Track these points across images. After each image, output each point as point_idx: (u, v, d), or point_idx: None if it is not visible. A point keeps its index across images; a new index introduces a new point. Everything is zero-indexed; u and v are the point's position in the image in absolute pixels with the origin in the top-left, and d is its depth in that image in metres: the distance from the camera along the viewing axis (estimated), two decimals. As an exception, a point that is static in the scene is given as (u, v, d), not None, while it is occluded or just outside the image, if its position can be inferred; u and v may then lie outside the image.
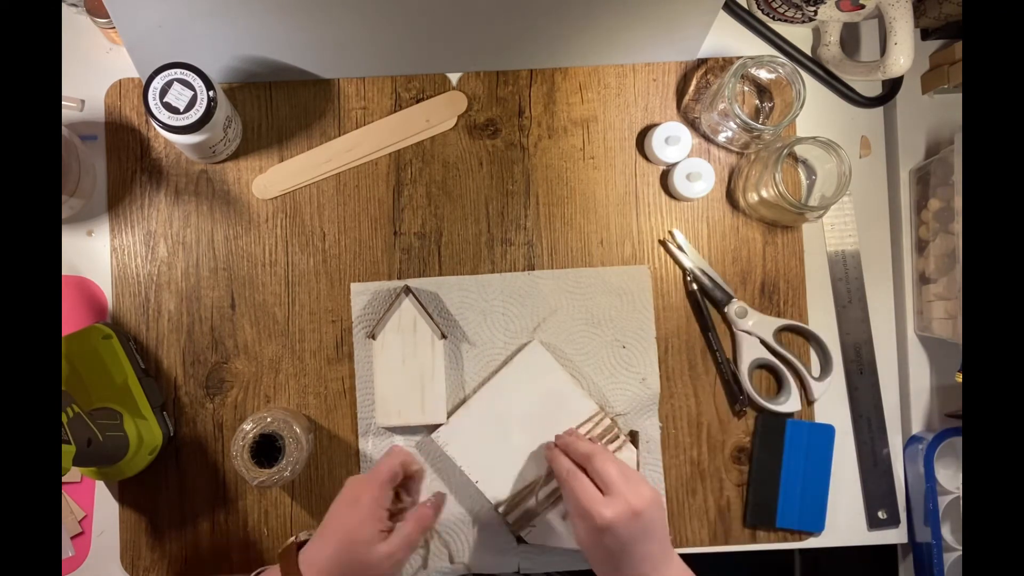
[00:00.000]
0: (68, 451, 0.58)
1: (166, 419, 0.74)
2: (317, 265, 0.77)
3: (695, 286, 0.77)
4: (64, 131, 0.70)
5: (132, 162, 0.77)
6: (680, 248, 0.78)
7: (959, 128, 0.77)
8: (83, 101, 0.77)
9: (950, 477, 0.77)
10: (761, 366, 0.78)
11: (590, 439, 0.68)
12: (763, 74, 0.77)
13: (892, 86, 0.79)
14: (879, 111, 0.81)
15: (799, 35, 0.81)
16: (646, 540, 0.61)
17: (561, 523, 0.71)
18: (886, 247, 0.80)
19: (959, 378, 0.72)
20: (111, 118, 0.77)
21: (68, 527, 0.74)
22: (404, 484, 0.67)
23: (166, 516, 0.75)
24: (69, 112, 0.77)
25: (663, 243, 0.78)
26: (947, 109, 0.80)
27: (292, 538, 0.63)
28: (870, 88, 0.80)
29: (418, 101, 0.78)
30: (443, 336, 0.73)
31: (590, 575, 0.76)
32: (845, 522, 0.78)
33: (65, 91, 0.76)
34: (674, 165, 0.77)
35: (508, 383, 0.74)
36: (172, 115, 0.67)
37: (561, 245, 0.78)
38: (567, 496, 0.65)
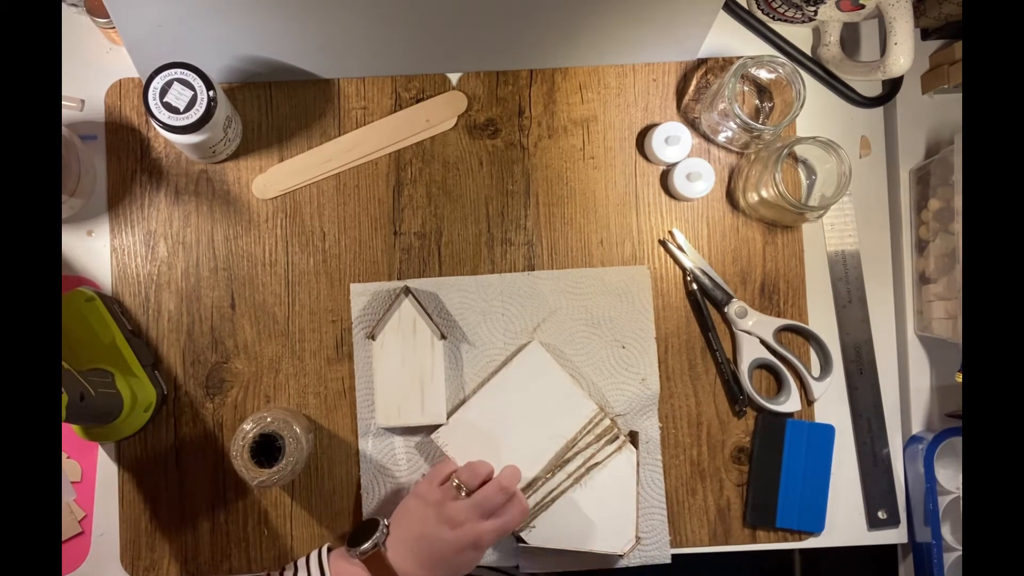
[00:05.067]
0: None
1: (158, 377, 0.74)
2: (317, 265, 0.77)
3: (695, 286, 0.77)
4: (64, 131, 0.70)
5: (132, 162, 0.77)
6: (680, 248, 0.78)
7: (959, 128, 0.77)
8: (83, 101, 0.77)
9: (950, 477, 0.77)
10: (761, 366, 0.78)
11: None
12: (763, 74, 0.77)
13: (892, 86, 0.79)
14: (879, 111, 0.81)
15: (799, 35, 0.81)
16: None
17: (561, 523, 0.71)
18: (886, 247, 0.80)
19: (959, 378, 0.72)
20: (111, 118, 0.77)
21: (68, 527, 0.74)
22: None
23: (166, 516, 0.75)
24: (69, 112, 0.77)
25: (663, 243, 0.78)
26: (947, 109, 0.80)
27: (373, 544, 0.65)
28: (870, 88, 0.80)
29: (418, 101, 0.78)
30: (443, 337, 0.73)
31: (590, 575, 0.76)
32: (845, 522, 0.78)
33: (65, 91, 0.76)
34: (674, 165, 0.77)
35: (508, 384, 0.74)
36: (172, 115, 0.67)
37: (561, 245, 0.78)
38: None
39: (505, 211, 0.78)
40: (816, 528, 0.77)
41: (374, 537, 0.65)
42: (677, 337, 0.77)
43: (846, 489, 0.78)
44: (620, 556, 0.73)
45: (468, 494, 0.67)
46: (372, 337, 0.73)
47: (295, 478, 0.73)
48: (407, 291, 0.73)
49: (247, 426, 0.67)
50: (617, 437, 0.73)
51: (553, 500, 0.72)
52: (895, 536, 0.78)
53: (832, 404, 0.78)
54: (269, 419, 0.68)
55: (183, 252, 0.76)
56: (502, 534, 0.67)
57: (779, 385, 0.78)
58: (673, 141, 0.76)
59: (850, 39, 0.81)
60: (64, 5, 0.75)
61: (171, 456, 0.75)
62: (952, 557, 0.75)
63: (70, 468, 0.74)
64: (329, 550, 0.67)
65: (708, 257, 0.78)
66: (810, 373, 0.77)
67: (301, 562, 0.66)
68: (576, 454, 0.72)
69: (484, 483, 0.68)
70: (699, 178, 0.76)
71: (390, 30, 0.72)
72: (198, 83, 0.67)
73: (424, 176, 0.78)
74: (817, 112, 0.80)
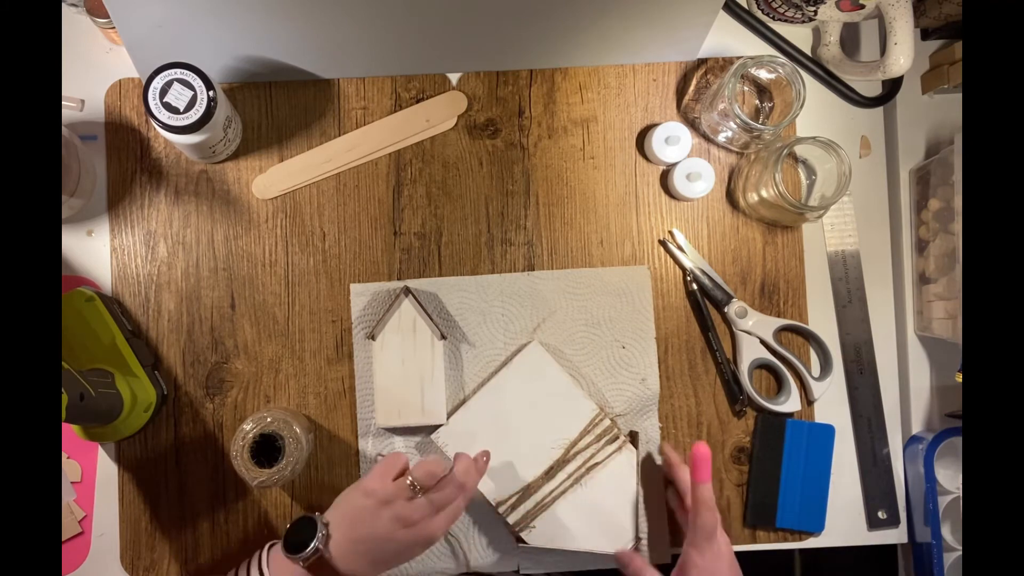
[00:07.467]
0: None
1: (158, 377, 0.74)
2: (317, 265, 0.77)
3: (695, 286, 0.77)
4: (64, 131, 0.70)
5: (132, 162, 0.77)
6: (680, 248, 0.78)
7: (959, 128, 0.77)
8: (83, 101, 0.77)
9: (950, 477, 0.77)
10: (761, 366, 0.78)
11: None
12: (763, 74, 0.77)
13: (892, 86, 0.79)
14: (879, 111, 0.81)
15: (799, 35, 0.81)
16: None
17: (561, 524, 0.71)
18: (886, 247, 0.80)
19: (959, 378, 0.72)
20: (111, 118, 0.77)
21: (68, 527, 0.74)
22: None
23: (166, 516, 0.75)
24: (69, 112, 0.77)
25: (663, 243, 0.78)
26: (947, 109, 0.80)
27: (314, 550, 0.61)
28: (870, 88, 0.80)
29: (418, 101, 0.78)
30: (442, 337, 0.73)
31: (590, 575, 0.76)
32: (845, 522, 0.78)
33: (65, 91, 0.76)
34: (674, 165, 0.77)
35: (508, 384, 0.74)
36: (172, 115, 0.67)
37: (561, 245, 0.78)
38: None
39: (505, 211, 0.78)
40: (816, 528, 0.77)
41: (314, 543, 0.60)
42: (677, 337, 0.77)
43: (846, 489, 0.78)
44: (620, 556, 0.73)
45: (422, 492, 0.63)
46: (372, 337, 0.73)
47: (295, 478, 0.73)
48: (407, 291, 0.73)
49: (247, 426, 0.67)
50: (617, 437, 0.73)
51: (553, 500, 0.72)
52: (895, 536, 0.78)
53: (832, 404, 0.78)
54: (269, 419, 0.68)
55: (183, 252, 0.76)
56: (452, 522, 0.63)
57: (779, 385, 0.78)
58: (673, 141, 0.76)
59: (850, 39, 0.81)
60: (64, 5, 0.75)
61: (171, 456, 0.75)
62: (952, 557, 0.75)
63: (70, 468, 0.74)
64: (272, 546, 0.63)
65: (708, 257, 0.78)
66: (810, 373, 0.77)
67: (243, 566, 0.63)
68: (576, 454, 0.72)
69: (440, 480, 0.64)
70: (699, 178, 0.76)
71: (390, 30, 0.72)
72: (198, 83, 0.67)
73: (424, 176, 0.78)
74: (817, 112, 0.80)
